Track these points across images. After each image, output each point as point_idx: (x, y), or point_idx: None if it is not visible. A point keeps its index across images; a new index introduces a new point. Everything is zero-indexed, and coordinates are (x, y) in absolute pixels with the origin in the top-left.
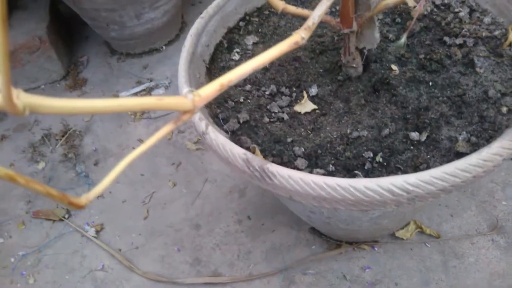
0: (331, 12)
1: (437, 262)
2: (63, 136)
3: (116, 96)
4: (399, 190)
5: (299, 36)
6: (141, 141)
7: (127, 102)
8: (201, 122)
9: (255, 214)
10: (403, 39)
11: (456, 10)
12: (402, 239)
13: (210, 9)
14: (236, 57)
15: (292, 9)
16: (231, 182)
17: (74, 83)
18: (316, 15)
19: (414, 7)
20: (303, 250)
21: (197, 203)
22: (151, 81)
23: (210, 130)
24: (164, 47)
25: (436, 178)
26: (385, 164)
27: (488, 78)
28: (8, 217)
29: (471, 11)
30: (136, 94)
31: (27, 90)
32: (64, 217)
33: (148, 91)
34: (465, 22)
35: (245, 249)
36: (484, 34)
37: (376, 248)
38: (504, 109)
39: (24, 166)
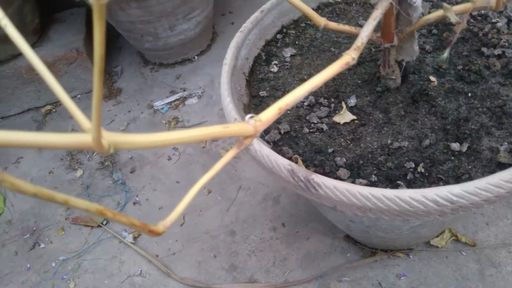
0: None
1: (474, 271)
2: None
3: (150, 105)
4: (443, 200)
5: (350, 57)
6: (176, 149)
7: (198, 132)
8: None
9: (289, 221)
10: (445, 54)
11: (494, 20)
12: (437, 247)
13: (249, 23)
14: (275, 69)
15: (333, 25)
16: (264, 189)
17: (109, 92)
18: (364, 35)
19: (458, 22)
20: (338, 258)
21: (232, 210)
22: (184, 90)
23: (255, 141)
24: (196, 57)
25: (481, 189)
26: (426, 174)
27: None
28: (49, 223)
29: (509, 21)
30: (170, 103)
31: None
32: (102, 224)
33: (182, 101)
34: (503, 32)
35: (280, 256)
36: None
37: (411, 256)
38: None
39: (62, 174)
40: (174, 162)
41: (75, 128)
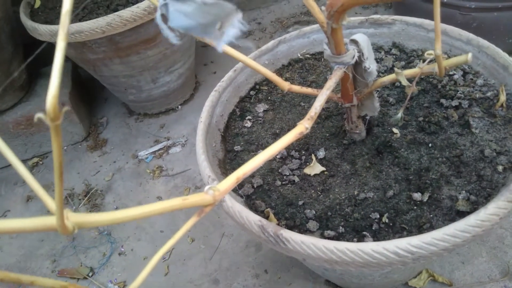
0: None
1: None
2: (85, 195)
3: (135, 155)
4: (403, 252)
5: (303, 127)
6: (160, 198)
7: (158, 206)
8: None
9: (271, 267)
10: (399, 115)
11: (451, 73)
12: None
13: (223, 82)
14: (248, 124)
15: (296, 88)
16: (247, 236)
17: (94, 143)
18: (317, 105)
19: (408, 86)
20: None
21: (215, 258)
22: (168, 139)
23: (227, 198)
24: (179, 106)
25: (438, 239)
26: (391, 224)
27: (483, 138)
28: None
29: (465, 73)
30: (154, 152)
31: (50, 153)
32: (88, 275)
33: (166, 150)
34: (459, 84)
35: None
36: (477, 95)
37: None
38: (500, 168)
39: None
40: None
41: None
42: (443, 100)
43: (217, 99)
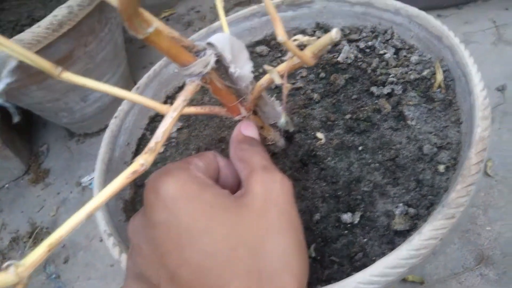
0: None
1: None
2: (30, 237)
3: (78, 183)
4: None
5: (138, 164)
6: None
7: None
8: (114, 248)
9: None
10: (282, 119)
11: (381, 52)
12: None
13: (124, 104)
14: (161, 148)
15: (192, 110)
16: None
17: (36, 176)
18: (159, 133)
19: (282, 83)
20: None
21: None
22: None
23: (123, 258)
24: None
25: (365, 283)
26: (319, 258)
27: (421, 130)
28: None
29: (397, 50)
30: None
31: None
32: None
33: None
34: (391, 65)
35: None
36: (412, 76)
37: None
38: (441, 168)
39: None
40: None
41: (5, 222)
42: (373, 88)
43: (118, 127)
